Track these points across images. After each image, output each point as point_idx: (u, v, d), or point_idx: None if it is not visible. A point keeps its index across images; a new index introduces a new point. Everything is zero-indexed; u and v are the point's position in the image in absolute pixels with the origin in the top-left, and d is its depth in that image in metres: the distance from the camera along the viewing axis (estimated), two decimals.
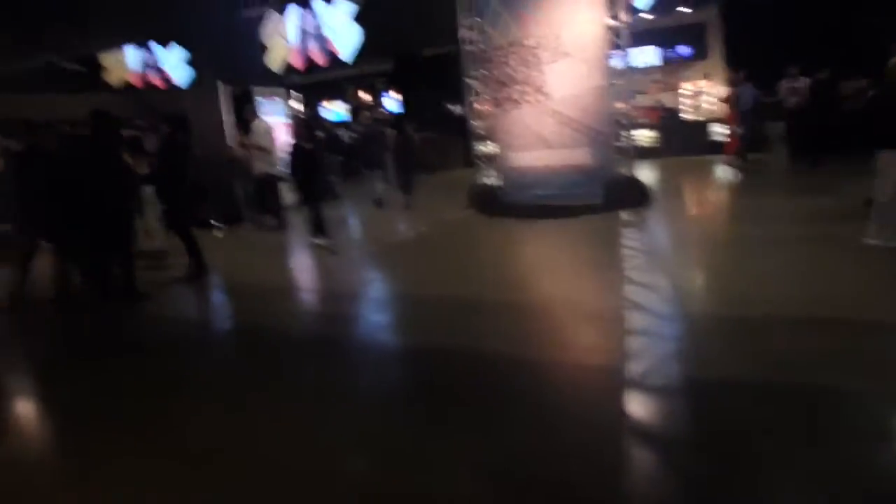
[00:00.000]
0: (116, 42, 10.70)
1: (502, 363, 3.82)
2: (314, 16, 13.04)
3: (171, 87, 14.04)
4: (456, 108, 16.23)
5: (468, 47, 9.50)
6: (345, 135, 18.81)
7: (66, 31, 7.92)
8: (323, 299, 6.18)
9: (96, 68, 16.70)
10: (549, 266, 6.24)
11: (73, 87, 18.01)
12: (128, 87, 17.41)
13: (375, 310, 5.60)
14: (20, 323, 6.04)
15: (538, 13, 8.63)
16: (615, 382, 3.31)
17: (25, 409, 4.12)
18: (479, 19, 9.23)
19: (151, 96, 15.26)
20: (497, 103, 9.31)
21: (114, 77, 16.47)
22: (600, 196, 8.32)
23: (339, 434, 3.10)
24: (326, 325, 5.21)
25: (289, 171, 8.09)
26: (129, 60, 16.71)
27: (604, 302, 4.81)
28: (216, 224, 9.48)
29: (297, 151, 7.67)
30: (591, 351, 3.96)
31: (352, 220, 10.93)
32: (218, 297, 6.56)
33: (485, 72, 9.38)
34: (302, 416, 3.34)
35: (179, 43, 12.49)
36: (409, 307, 5.45)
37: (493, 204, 9.27)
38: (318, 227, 7.71)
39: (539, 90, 8.84)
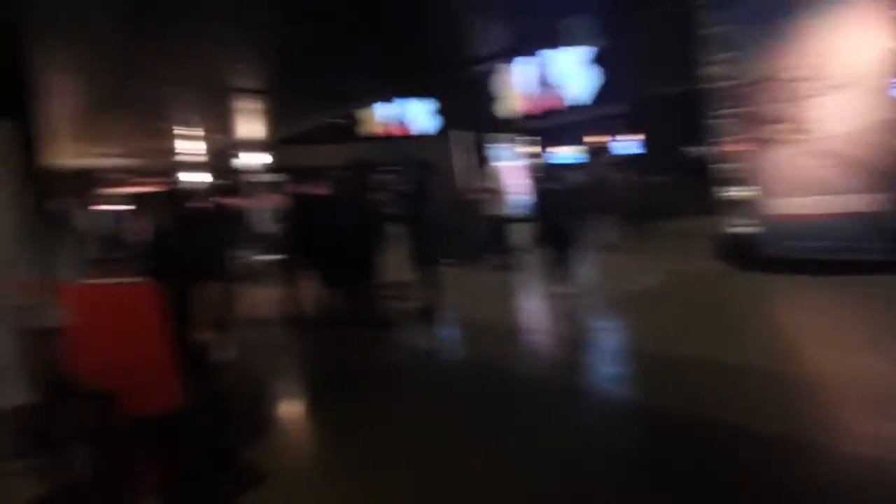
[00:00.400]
0: (373, 100, 12.27)
1: (762, 444, 3.26)
2: (548, 62, 13.43)
3: (415, 136, 15.56)
4: (696, 151, 15.17)
5: (713, 85, 8.84)
6: (576, 178, 18.83)
7: (339, 93, 9.28)
8: (553, 344, 6.10)
9: (354, 122, 19.41)
10: (826, 333, 5.25)
11: (338, 138, 21.22)
12: (379, 137, 19.87)
13: (609, 362, 5.33)
14: (288, 338, 7.06)
15: (797, 44, 7.66)
16: None
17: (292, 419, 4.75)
18: (726, 54, 8.55)
19: (399, 145, 17.15)
20: (749, 144, 8.42)
21: (368, 128, 18.88)
22: (886, 250, 6.88)
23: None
24: (556, 373, 5.10)
25: (535, 213, 8.06)
26: (379, 113, 19.13)
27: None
28: (452, 262, 10.11)
29: (545, 195, 7.65)
30: (890, 444, 3.18)
31: (583, 265, 10.80)
32: (452, 333, 6.87)
33: (733, 110, 8.61)
34: (519, 465, 3.29)
35: (423, 96, 13.82)
36: (647, 364, 4.98)
37: (747, 255, 8.26)
38: (561, 271, 7.53)
39: (802, 128, 7.75)
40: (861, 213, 7.29)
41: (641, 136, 19.17)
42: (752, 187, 8.52)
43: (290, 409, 4.79)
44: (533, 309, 7.66)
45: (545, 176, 8.16)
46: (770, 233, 8.24)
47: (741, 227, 8.74)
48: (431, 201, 7.71)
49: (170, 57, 6.65)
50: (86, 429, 1.68)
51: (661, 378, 4.55)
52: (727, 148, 9.01)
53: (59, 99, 7.67)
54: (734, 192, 8.91)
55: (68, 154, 13.16)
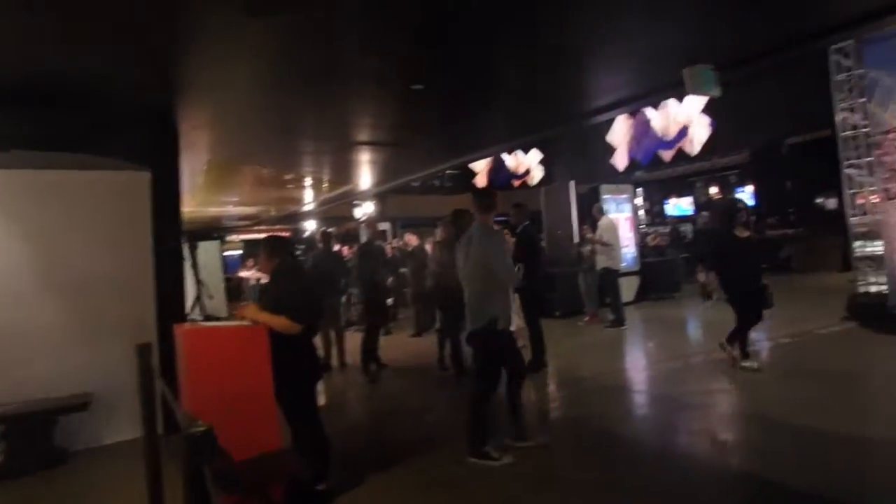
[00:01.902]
0: (492, 152, 12.55)
1: None
2: (663, 113, 13.15)
3: (529, 187, 15.67)
4: (829, 202, 14.04)
5: (847, 133, 8.26)
6: (688, 230, 18.03)
7: (457, 144, 9.60)
8: (662, 403, 5.79)
9: (466, 172, 19.89)
10: None
11: (451, 188, 21.83)
12: (491, 187, 20.19)
13: (726, 429, 4.96)
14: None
15: None
16: None
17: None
18: (862, 100, 7.99)
19: (511, 195, 17.33)
20: (891, 195, 7.71)
21: (480, 179, 19.25)
22: None
23: None
24: (669, 435, 4.84)
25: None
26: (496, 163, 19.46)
27: None
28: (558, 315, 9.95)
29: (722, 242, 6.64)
30: None
31: (692, 321, 10.24)
32: (559, 390, 6.64)
33: (870, 159, 7.97)
34: None
35: (538, 147, 13.95)
36: (774, 434, 4.53)
37: (884, 317, 7.53)
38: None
39: None
40: None
41: (761, 188, 18.08)
42: (891, 242, 7.75)
43: (388, 460, 4.70)
44: (637, 366, 7.27)
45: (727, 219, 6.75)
46: None
47: (876, 284, 8.00)
48: (539, 252, 7.66)
49: (304, 115, 7.22)
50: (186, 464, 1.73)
51: (782, 449, 4.19)
52: (862, 200, 8.32)
53: (198, 152, 8.54)
54: (868, 247, 8.19)
55: (199, 202, 14.54)
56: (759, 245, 7.82)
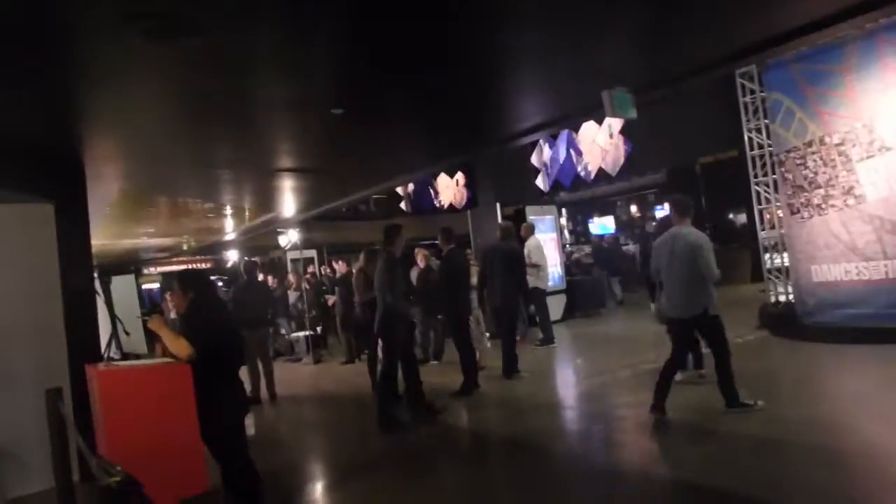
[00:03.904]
0: (416, 175, 12.50)
1: None
2: (583, 135, 13.59)
3: (454, 210, 15.74)
4: (740, 217, 14.92)
5: (754, 152, 8.76)
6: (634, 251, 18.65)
7: (381, 169, 9.48)
8: (592, 418, 5.82)
9: (392, 197, 19.82)
10: (875, 406, 4.94)
11: (376, 214, 21.69)
12: (415, 211, 20.17)
13: (646, 437, 5.01)
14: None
15: (842, 108, 7.57)
16: None
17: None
18: (767, 121, 8.50)
19: (437, 218, 17.34)
20: (794, 210, 8.20)
21: (406, 203, 19.21)
22: None
23: None
24: (600, 450, 4.89)
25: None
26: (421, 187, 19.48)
27: None
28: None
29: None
30: None
31: (619, 337, 10.45)
32: (498, 412, 6.54)
33: (776, 177, 8.47)
34: None
35: (462, 171, 14.07)
36: (700, 441, 4.69)
37: (793, 325, 7.96)
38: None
39: (848, 192, 7.55)
40: None
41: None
42: (795, 254, 8.24)
43: (324, 490, 4.57)
44: (567, 384, 7.29)
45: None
46: (813, 301, 7.95)
47: (784, 295, 8.45)
48: (466, 275, 7.61)
49: (218, 143, 6.88)
50: None
51: (707, 455, 4.29)
52: (769, 215, 8.83)
53: (106, 183, 8.00)
54: (778, 260, 8.68)
55: (112, 234, 13.69)
56: None
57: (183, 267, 22.27)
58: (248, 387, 7.39)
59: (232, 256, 20.87)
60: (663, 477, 4.12)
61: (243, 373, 7.32)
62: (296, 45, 4.17)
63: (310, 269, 14.72)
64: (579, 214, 24.83)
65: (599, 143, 12.65)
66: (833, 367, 6.06)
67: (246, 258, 9.09)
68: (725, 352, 4.96)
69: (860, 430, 4.48)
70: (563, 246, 15.20)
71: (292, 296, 12.74)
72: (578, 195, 20.60)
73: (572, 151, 13.47)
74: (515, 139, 7.94)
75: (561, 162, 13.63)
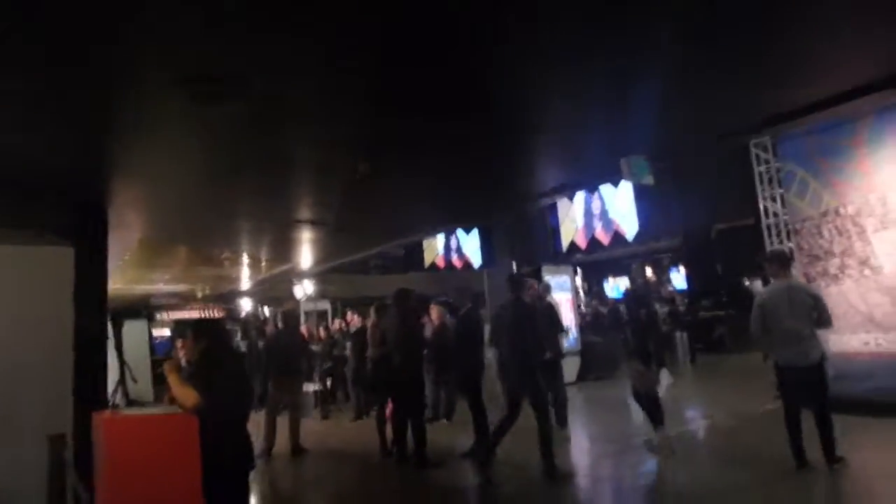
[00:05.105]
0: (434, 233, 12.66)
1: None
2: (601, 198, 13.72)
3: (470, 268, 15.76)
4: (756, 285, 14.78)
5: (769, 220, 8.77)
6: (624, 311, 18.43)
7: (398, 224, 9.62)
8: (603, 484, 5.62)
9: (410, 252, 19.92)
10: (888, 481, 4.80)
11: (393, 268, 21.75)
12: (433, 268, 20.22)
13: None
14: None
15: (857, 180, 7.61)
16: None
17: None
18: (781, 191, 8.55)
19: (454, 276, 17.37)
20: (810, 279, 8.13)
21: (428, 259, 19.31)
22: None
23: None
24: None
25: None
26: (437, 245, 19.60)
27: None
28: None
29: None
30: None
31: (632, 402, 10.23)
32: (499, 474, 6.36)
33: (791, 245, 8.44)
34: None
35: (480, 229, 14.17)
36: None
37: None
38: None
39: (865, 263, 7.50)
40: None
41: (694, 270, 18.88)
42: None
43: None
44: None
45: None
46: (831, 372, 7.70)
47: None
48: (481, 334, 7.57)
49: (241, 194, 7.06)
50: None
51: None
52: None
53: (130, 231, 8.19)
54: None
55: (127, 279, 13.87)
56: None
57: (196, 314, 22.35)
58: (261, 438, 7.36)
59: (245, 305, 20.96)
60: None
61: (258, 424, 7.37)
62: (328, 96, 4.32)
63: (333, 325, 14.65)
64: (594, 276, 24.74)
65: (619, 207, 12.75)
66: (849, 444, 5.82)
67: (284, 308, 9.07)
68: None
69: None
70: (578, 306, 15.11)
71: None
72: (594, 256, 20.58)
73: (590, 213, 13.57)
74: (535, 200, 8.07)
75: (579, 224, 13.72)
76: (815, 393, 5.25)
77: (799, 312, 5.19)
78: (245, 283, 17.47)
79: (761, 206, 8.86)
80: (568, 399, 7.71)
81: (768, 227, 8.82)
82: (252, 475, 3.75)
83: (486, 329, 8.30)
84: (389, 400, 7.19)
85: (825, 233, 7.95)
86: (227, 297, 21.41)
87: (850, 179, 7.66)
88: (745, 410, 8.07)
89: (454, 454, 6.76)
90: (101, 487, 3.11)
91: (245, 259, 12.73)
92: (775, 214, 8.73)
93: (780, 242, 8.66)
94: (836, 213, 7.81)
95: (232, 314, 21.65)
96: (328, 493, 6.36)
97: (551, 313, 7.78)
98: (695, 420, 8.35)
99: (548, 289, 10.19)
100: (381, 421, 7.45)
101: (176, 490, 3.07)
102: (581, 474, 6.00)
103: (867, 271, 7.47)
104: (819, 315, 5.21)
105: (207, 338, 3.79)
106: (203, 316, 22.00)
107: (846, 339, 7.66)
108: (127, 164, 5.42)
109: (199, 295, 21.10)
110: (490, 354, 7.94)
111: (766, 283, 9.61)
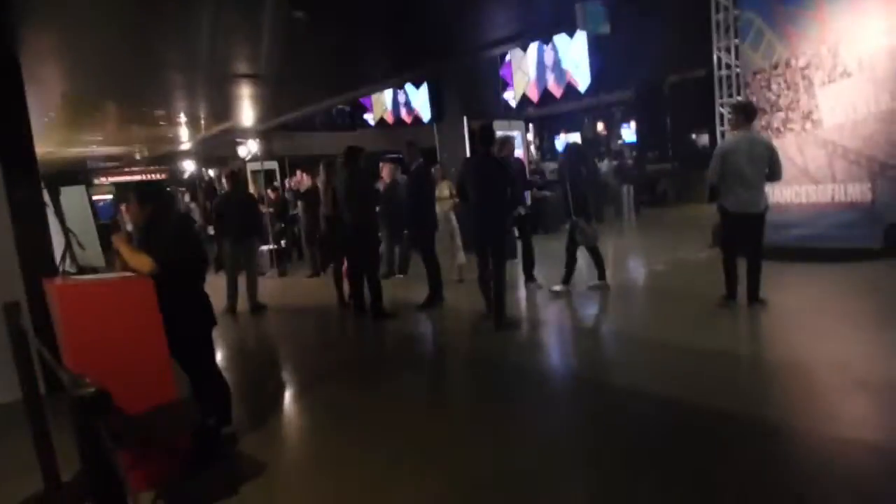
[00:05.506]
0: (381, 86, 12.10)
1: (748, 429, 3.35)
2: (555, 49, 13.25)
3: (420, 123, 15.41)
4: (702, 138, 15.06)
5: (722, 72, 8.73)
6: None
7: (342, 79, 9.13)
8: (540, 332, 6.07)
9: (357, 108, 19.19)
10: (810, 320, 5.35)
11: (341, 125, 21.04)
12: (382, 124, 19.65)
13: (596, 349, 5.40)
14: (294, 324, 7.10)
15: (811, 30, 7.54)
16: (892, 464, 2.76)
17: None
18: (737, 41, 8.42)
19: (403, 132, 16.98)
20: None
21: (376, 116, 18.68)
22: (880, 239, 7.00)
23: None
24: (543, 358, 5.23)
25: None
26: (385, 100, 18.89)
27: (881, 367, 4.01)
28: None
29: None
30: (863, 425, 3.29)
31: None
32: (452, 324, 6.76)
33: (741, 98, 8.51)
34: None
35: (429, 83, 13.65)
36: (637, 351, 5.06)
37: None
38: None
39: (807, 117, 7.70)
40: (851, 203, 7.37)
41: (643, 124, 19.00)
42: None
43: (292, 398, 4.77)
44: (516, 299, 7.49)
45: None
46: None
47: None
48: (433, 191, 7.60)
49: (167, 41, 6.48)
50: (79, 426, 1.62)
51: (646, 364, 4.67)
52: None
53: (51, 86, 7.53)
54: None
55: (61, 142, 13.03)
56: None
57: (137, 177, 21.45)
58: (224, 298, 7.51)
59: (188, 167, 20.16)
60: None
61: (220, 283, 7.47)
62: None
63: (275, 185, 14.41)
64: (545, 131, 24.64)
65: (570, 59, 12.40)
66: (773, 285, 6.38)
67: (230, 168, 8.69)
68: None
69: (790, 343, 4.82)
70: (529, 162, 15.17)
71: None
72: (545, 110, 20.33)
73: (543, 65, 13.18)
74: (484, 49, 7.71)
75: (532, 76, 13.37)
76: (753, 239, 5.64)
77: (756, 163, 5.49)
78: (186, 143, 16.64)
79: (715, 57, 8.77)
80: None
81: (720, 80, 8.81)
82: (215, 332, 3.85)
83: (445, 184, 8.36)
84: (344, 257, 7.32)
85: (773, 86, 8.00)
86: (168, 159, 20.48)
87: (805, 30, 7.58)
88: (682, 258, 8.64)
89: (410, 306, 7.07)
90: (66, 349, 3.13)
91: (182, 118, 12.01)
92: (728, 66, 8.69)
93: (731, 95, 8.71)
94: (787, 64, 7.81)
95: (175, 176, 20.88)
96: (290, 343, 6.67)
97: (521, 168, 7.78)
98: (636, 268, 8.90)
99: (513, 144, 10.14)
100: (338, 277, 7.66)
101: (139, 349, 3.12)
102: (528, 319, 6.40)
103: (808, 125, 7.68)
104: (771, 167, 5.52)
105: (152, 201, 3.70)
106: (145, 179, 21.17)
107: (780, 191, 8.05)
108: (38, 10, 4.82)
109: (138, 157, 20.09)
110: (444, 208, 8.09)
111: (712, 137, 9.80)
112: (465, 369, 5.27)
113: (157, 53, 6.77)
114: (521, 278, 7.67)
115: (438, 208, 7.70)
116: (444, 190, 8.30)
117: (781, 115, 7.94)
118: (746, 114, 5.78)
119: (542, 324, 6.27)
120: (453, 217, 8.30)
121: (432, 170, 8.18)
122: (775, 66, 7.94)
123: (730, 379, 4.16)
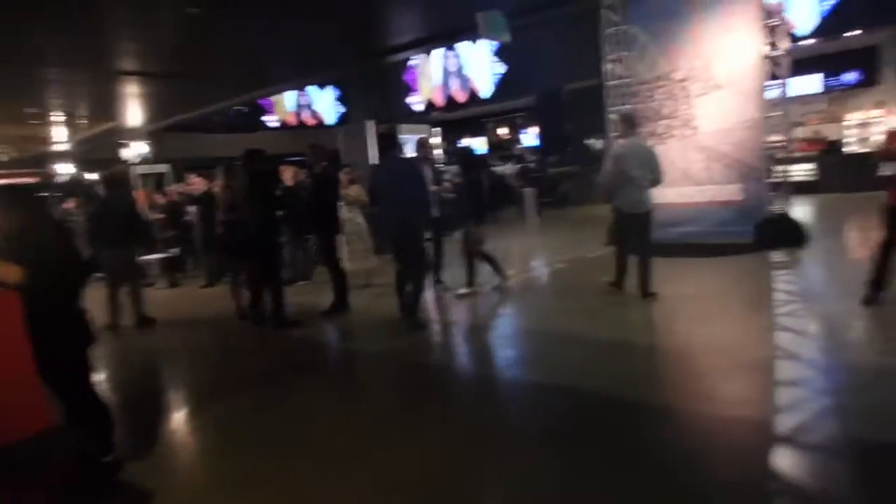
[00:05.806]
0: (283, 88, 11.76)
1: (637, 410, 3.60)
2: (457, 56, 13.48)
3: (322, 126, 15.15)
4: (597, 143, 15.85)
5: (611, 82, 9.23)
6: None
7: (244, 79, 8.79)
8: (448, 333, 6.14)
9: (257, 110, 18.50)
10: (693, 309, 5.80)
11: (240, 126, 20.19)
12: (284, 126, 19.11)
13: (502, 346, 5.54)
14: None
15: (688, 46, 8.24)
16: (763, 438, 3.02)
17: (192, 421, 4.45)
18: (625, 53, 8.95)
19: (305, 134, 16.62)
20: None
21: (277, 117, 18.14)
22: (751, 234, 7.74)
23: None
24: (451, 359, 5.31)
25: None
26: (286, 102, 18.39)
27: (752, 349, 4.40)
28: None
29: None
30: (738, 402, 3.63)
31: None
32: (359, 329, 6.63)
33: (628, 106, 9.05)
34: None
35: (334, 85, 13.46)
36: (540, 345, 5.29)
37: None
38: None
39: (687, 124, 8.40)
40: (727, 202, 8.16)
41: (543, 129, 19.69)
42: None
43: (183, 419, 4.47)
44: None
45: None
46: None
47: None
48: (337, 194, 7.45)
49: (47, 33, 5.94)
50: None
51: (547, 356, 4.92)
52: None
53: None
54: None
55: None
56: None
57: (2, 180, 19.50)
58: (105, 313, 6.92)
59: (64, 170, 18.52)
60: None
61: (100, 298, 6.86)
62: None
63: (173, 188, 13.54)
64: (451, 134, 24.96)
65: (473, 66, 12.66)
66: (662, 278, 6.83)
67: (109, 171, 7.94)
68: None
69: (677, 330, 5.19)
70: (436, 166, 15.31)
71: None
72: (451, 115, 20.60)
73: (447, 71, 13.36)
74: (389, 54, 7.70)
75: (436, 81, 13.51)
76: (641, 236, 6.08)
77: (642, 167, 5.96)
78: (62, 144, 15.32)
79: (605, 68, 9.26)
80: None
81: (610, 90, 9.31)
82: (96, 351, 3.53)
83: (354, 188, 8.20)
84: (243, 264, 6.99)
85: (656, 96, 8.62)
86: (40, 161, 18.74)
87: (683, 46, 8.25)
88: (581, 255, 9.04)
89: (314, 313, 6.88)
90: None
91: (58, 116, 11.04)
92: (619, 77, 9.19)
93: (622, 104, 9.22)
94: (668, 77, 8.44)
95: (49, 180, 19.18)
96: (181, 359, 6.21)
97: (435, 172, 7.79)
98: (539, 267, 9.21)
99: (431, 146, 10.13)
100: (235, 285, 7.31)
101: (6, 374, 2.81)
102: (437, 321, 6.45)
103: (688, 132, 8.36)
104: (654, 171, 6.01)
105: (21, 207, 3.34)
106: (11, 182, 19.26)
107: (665, 192, 8.60)
108: None
109: (5, 158, 18.27)
110: (352, 210, 7.96)
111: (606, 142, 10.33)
112: (376, 374, 5.17)
113: (30, 47, 6.19)
114: (430, 280, 7.69)
115: (346, 211, 7.57)
116: (350, 193, 8.15)
117: (664, 122, 8.55)
118: (628, 122, 6.34)
119: (451, 325, 6.34)
120: (362, 219, 8.18)
121: (340, 174, 8.03)
122: (658, 79, 8.55)
123: (625, 365, 4.41)
